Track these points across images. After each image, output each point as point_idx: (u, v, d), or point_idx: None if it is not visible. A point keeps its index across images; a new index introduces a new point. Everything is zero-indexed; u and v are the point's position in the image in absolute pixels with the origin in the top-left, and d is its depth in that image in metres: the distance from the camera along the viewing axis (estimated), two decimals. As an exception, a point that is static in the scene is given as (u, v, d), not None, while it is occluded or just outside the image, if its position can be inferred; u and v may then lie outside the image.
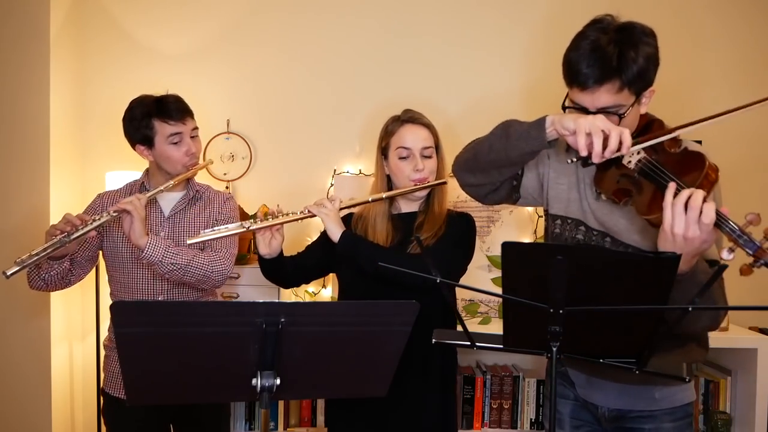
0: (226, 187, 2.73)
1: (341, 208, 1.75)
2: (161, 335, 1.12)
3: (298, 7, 2.77)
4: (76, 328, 2.66)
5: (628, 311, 1.13)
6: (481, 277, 2.67)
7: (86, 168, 2.70)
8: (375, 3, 2.78)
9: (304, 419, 2.57)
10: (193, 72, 2.73)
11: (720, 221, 1.14)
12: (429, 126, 1.81)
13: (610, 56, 1.25)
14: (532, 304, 1.13)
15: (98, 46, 2.71)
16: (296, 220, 1.72)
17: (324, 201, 1.74)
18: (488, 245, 2.71)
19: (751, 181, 2.69)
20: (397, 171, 1.79)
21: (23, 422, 2.43)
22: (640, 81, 1.28)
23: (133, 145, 1.91)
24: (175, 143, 1.87)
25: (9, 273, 1.64)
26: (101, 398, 2.00)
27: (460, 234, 1.78)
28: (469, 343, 1.26)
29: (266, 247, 1.73)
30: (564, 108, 1.37)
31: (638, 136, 1.37)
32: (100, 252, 1.96)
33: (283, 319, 1.11)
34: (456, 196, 2.35)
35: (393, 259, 1.58)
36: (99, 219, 1.75)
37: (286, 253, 1.82)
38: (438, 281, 1.14)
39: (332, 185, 2.74)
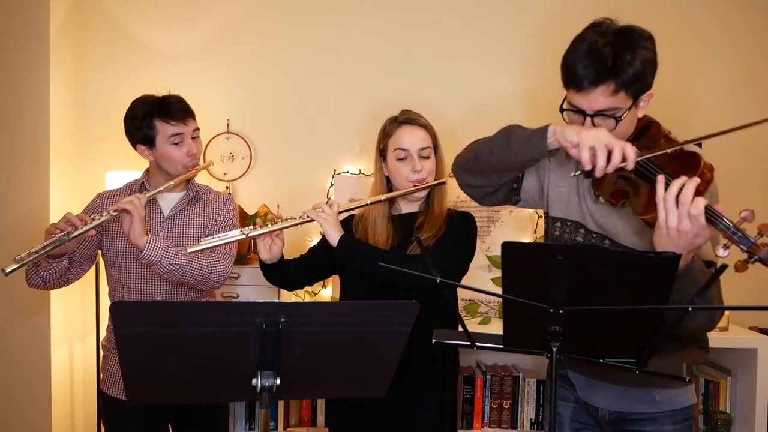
0: (226, 187, 2.73)
1: (340, 212, 1.75)
2: (161, 335, 1.12)
3: (297, 8, 2.77)
4: (76, 327, 2.66)
5: (628, 311, 1.13)
6: (481, 277, 2.67)
7: (86, 168, 2.70)
8: (375, 3, 2.78)
9: (304, 419, 2.57)
10: (193, 72, 2.73)
11: (714, 218, 1.15)
12: (426, 126, 1.81)
13: (605, 58, 1.25)
14: (532, 304, 1.13)
15: (98, 46, 2.71)
16: (295, 225, 1.73)
17: (322, 205, 1.74)
18: (488, 245, 2.71)
19: (749, 180, 2.68)
20: (395, 172, 1.79)
21: (23, 422, 2.43)
22: (637, 84, 1.28)
23: (134, 145, 1.91)
24: (177, 144, 1.87)
25: (8, 270, 1.64)
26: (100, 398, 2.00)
27: (461, 233, 1.78)
28: (469, 343, 1.26)
29: (267, 252, 1.73)
30: (562, 110, 1.37)
31: (636, 138, 1.37)
32: (99, 251, 1.96)
33: (283, 319, 1.11)
34: (456, 196, 2.35)
35: (392, 261, 1.58)
36: (99, 218, 1.75)
37: (287, 256, 1.82)
38: (438, 281, 1.14)
39: (332, 185, 2.74)
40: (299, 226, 1.75)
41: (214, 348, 1.15)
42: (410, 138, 1.77)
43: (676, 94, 2.57)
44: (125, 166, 2.49)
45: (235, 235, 1.71)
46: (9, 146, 2.42)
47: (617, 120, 1.30)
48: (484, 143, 1.50)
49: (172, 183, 1.87)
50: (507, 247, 1.12)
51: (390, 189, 1.84)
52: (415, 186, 1.76)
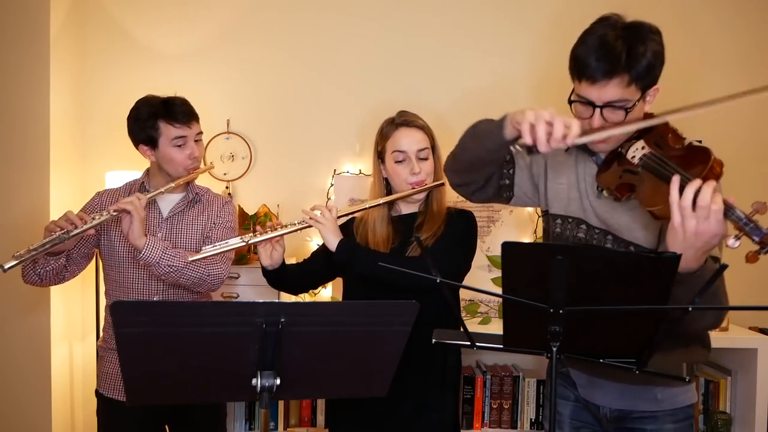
0: (226, 188, 2.73)
1: (339, 217, 1.76)
2: (161, 335, 1.12)
3: (297, 7, 2.77)
4: (76, 327, 2.66)
5: (629, 311, 1.13)
6: (481, 277, 2.67)
7: (86, 167, 2.70)
8: (375, 3, 2.78)
9: (304, 419, 2.57)
10: (193, 72, 2.73)
11: (727, 209, 1.14)
12: (424, 128, 1.81)
13: (619, 51, 1.27)
14: (532, 304, 1.13)
15: (98, 46, 2.71)
16: (295, 230, 1.73)
17: (321, 208, 1.75)
18: (488, 245, 2.71)
19: (752, 171, 2.67)
20: (394, 174, 1.79)
21: (23, 421, 2.43)
22: (648, 76, 1.30)
23: (136, 145, 1.91)
24: (179, 146, 1.87)
25: (6, 267, 1.64)
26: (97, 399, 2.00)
27: (461, 232, 1.78)
28: (469, 343, 1.26)
29: (268, 258, 1.74)
30: (570, 102, 1.38)
31: (644, 134, 1.37)
32: (97, 250, 1.96)
33: (283, 319, 1.11)
34: (456, 196, 2.34)
35: (392, 263, 1.58)
36: (99, 217, 1.75)
37: (289, 259, 1.82)
38: (438, 281, 1.14)
39: (332, 185, 2.74)
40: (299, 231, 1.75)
41: (215, 348, 1.15)
42: (408, 140, 1.77)
43: (676, 94, 2.56)
44: (125, 166, 2.49)
45: (235, 242, 1.72)
46: (9, 146, 2.42)
47: (627, 111, 1.31)
48: (459, 142, 1.52)
49: (173, 185, 1.87)
50: (507, 247, 1.12)
51: (389, 191, 1.84)
52: (413, 188, 1.76)
